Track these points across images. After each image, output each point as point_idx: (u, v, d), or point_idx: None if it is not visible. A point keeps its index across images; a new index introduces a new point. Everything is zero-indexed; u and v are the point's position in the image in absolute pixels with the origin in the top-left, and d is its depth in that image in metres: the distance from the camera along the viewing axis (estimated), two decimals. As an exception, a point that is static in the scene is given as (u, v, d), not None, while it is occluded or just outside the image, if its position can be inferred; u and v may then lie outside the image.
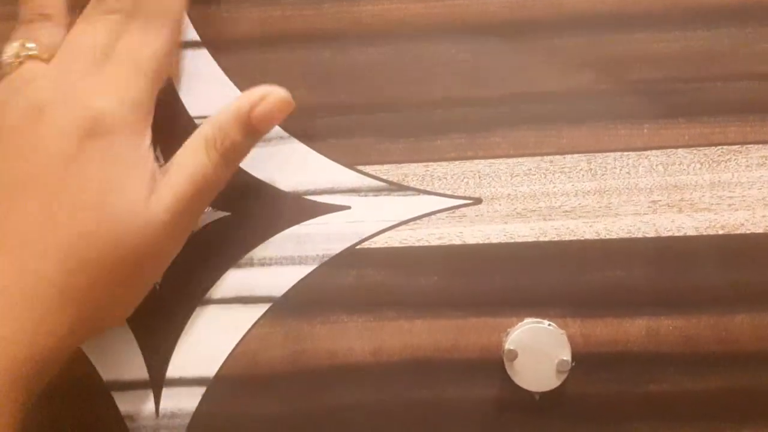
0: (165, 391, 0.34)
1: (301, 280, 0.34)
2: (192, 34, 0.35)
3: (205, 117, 0.34)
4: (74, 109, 0.29)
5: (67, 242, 0.28)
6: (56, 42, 0.31)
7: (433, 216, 0.34)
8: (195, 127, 0.34)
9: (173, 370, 0.34)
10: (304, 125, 0.34)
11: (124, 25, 0.30)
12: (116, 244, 0.29)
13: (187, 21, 0.35)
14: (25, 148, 0.29)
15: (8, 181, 0.29)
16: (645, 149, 0.33)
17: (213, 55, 0.35)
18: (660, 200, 0.33)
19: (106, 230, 0.28)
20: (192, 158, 0.31)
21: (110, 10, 0.31)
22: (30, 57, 0.30)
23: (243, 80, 0.35)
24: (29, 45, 0.30)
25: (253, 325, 0.34)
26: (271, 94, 0.31)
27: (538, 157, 0.33)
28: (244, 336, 0.34)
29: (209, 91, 0.35)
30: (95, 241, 0.28)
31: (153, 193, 0.29)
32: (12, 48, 0.30)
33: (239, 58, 0.35)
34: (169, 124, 0.35)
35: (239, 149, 0.31)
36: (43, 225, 0.28)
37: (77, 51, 0.30)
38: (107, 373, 0.34)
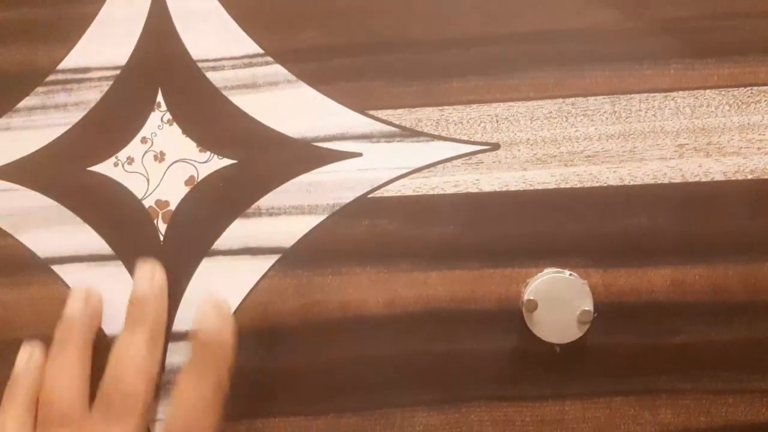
0: (171, 346, 0.33)
1: (311, 230, 0.33)
2: (194, -27, 0.33)
3: (207, 60, 0.33)
4: None
5: None
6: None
7: (448, 163, 0.32)
8: (198, 71, 0.33)
9: (179, 324, 0.33)
10: (313, 68, 0.33)
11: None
12: None
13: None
14: None
15: None
16: (671, 90, 0.32)
17: (217, -5, 0.33)
18: (687, 144, 0.31)
19: None
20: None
21: (116, 414, 0.29)
22: None
23: (248, 20, 0.33)
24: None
25: (262, 277, 0.33)
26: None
27: (560, 100, 0.32)
28: (253, 288, 0.33)
29: (212, 32, 0.33)
30: None
31: None
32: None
33: (244, -3, 0.33)
34: (173, 68, 0.33)
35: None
36: None
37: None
38: (113, 329, 0.33)
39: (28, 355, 0.32)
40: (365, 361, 0.32)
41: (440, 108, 0.32)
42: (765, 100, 0.31)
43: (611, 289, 0.31)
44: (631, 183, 0.32)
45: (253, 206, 0.33)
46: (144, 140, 0.33)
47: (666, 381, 0.31)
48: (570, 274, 0.31)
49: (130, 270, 0.33)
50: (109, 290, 0.33)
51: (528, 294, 0.30)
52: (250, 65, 0.33)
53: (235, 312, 0.33)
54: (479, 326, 0.32)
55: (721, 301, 0.31)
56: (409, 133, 0.33)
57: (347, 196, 0.33)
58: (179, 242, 0.33)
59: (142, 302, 0.31)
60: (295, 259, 0.33)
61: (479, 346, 0.32)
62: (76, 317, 0.32)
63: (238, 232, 0.33)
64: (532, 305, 0.30)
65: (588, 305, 0.30)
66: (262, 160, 0.33)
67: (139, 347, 0.30)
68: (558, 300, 0.30)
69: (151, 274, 0.32)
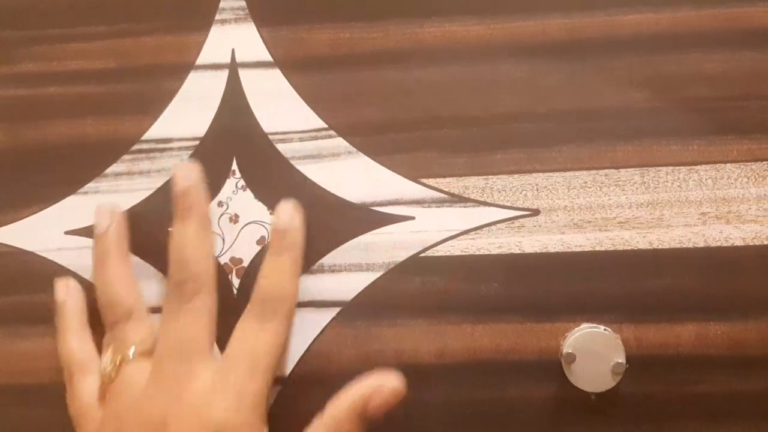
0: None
1: (369, 285, 0.36)
2: (265, 55, 0.37)
3: (277, 133, 0.37)
4: (195, 424, 0.30)
5: None
6: (146, 338, 0.32)
7: (492, 226, 0.36)
8: (269, 143, 0.37)
9: (250, 370, 0.36)
10: (371, 141, 0.37)
11: (208, 314, 0.32)
12: None
13: (260, 42, 0.37)
14: None
15: None
16: (695, 164, 0.35)
17: (285, 75, 0.37)
18: (709, 212, 0.35)
19: None
20: None
21: (190, 295, 0.32)
22: (124, 363, 0.32)
23: (313, 98, 0.37)
24: (124, 350, 0.32)
25: (325, 328, 0.36)
26: (385, 386, 0.31)
27: (594, 171, 0.36)
28: (317, 338, 0.36)
29: (282, 108, 0.37)
30: None
31: None
32: (107, 357, 0.32)
33: (310, 77, 0.37)
34: (246, 140, 0.37)
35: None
36: None
37: (176, 351, 0.31)
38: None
39: (65, 285, 0.35)
40: (418, 406, 0.35)
41: (485, 177, 0.36)
42: (780, 173, 0.35)
43: (642, 342, 0.35)
44: (659, 247, 0.35)
45: (317, 263, 0.36)
46: (220, 204, 0.37)
47: (692, 427, 0.34)
48: (605, 329, 0.34)
49: (207, 321, 0.36)
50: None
51: (567, 347, 0.34)
52: (315, 138, 0.37)
53: (300, 359, 0.36)
54: (522, 376, 0.35)
55: (740, 354, 0.34)
56: (457, 199, 0.36)
57: (401, 255, 0.36)
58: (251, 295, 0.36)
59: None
60: (354, 311, 0.36)
61: (522, 394, 0.35)
62: (107, 230, 0.35)
63: (303, 286, 0.36)
64: (571, 357, 0.34)
65: (621, 358, 0.33)
66: (325, 222, 0.37)
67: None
68: (594, 353, 0.34)
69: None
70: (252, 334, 0.32)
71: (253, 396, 0.31)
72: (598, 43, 0.36)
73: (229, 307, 0.36)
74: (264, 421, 0.32)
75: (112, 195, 0.37)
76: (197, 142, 0.37)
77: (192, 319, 0.32)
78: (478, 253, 0.36)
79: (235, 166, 0.37)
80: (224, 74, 0.37)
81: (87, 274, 0.37)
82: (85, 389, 0.33)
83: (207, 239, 0.34)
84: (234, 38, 0.38)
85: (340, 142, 0.37)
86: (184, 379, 0.31)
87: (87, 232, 0.37)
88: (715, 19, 0.35)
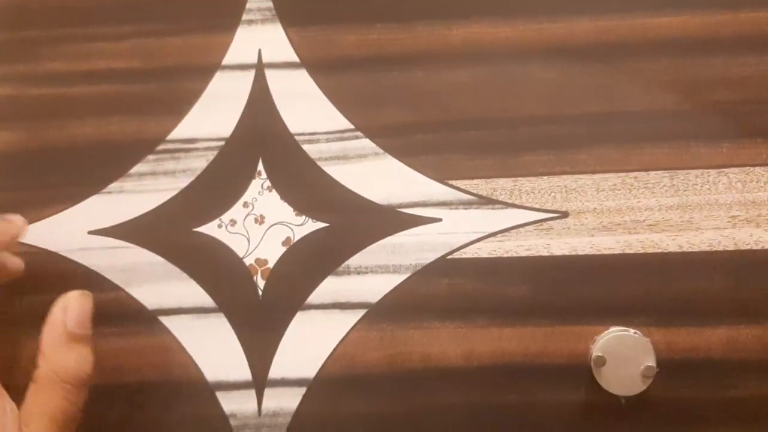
0: (267, 391, 0.36)
1: (395, 287, 0.36)
2: (292, 56, 0.37)
3: (303, 134, 0.37)
4: None
5: None
6: None
7: (521, 228, 0.36)
8: (295, 143, 0.37)
9: (275, 371, 0.36)
10: (398, 142, 0.36)
11: None
12: None
13: (286, 43, 0.37)
14: None
15: None
16: (724, 167, 0.35)
17: (311, 76, 0.37)
18: (739, 215, 0.35)
19: None
20: (40, 405, 0.31)
21: None
22: None
23: (340, 99, 0.37)
24: None
25: (351, 329, 0.36)
26: (68, 300, 0.32)
27: (623, 173, 0.35)
28: (342, 339, 0.36)
29: (308, 109, 0.37)
30: None
31: None
32: None
33: (336, 78, 0.37)
34: (272, 141, 0.37)
35: (74, 371, 0.31)
36: None
37: None
38: (212, 375, 0.36)
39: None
40: (444, 409, 0.35)
41: (514, 179, 0.36)
42: (809, 176, 0.35)
43: (672, 346, 0.34)
44: (689, 250, 0.35)
45: (343, 265, 0.36)
46: (246, 204, 0.37)
47: (722, 431, 0.34)
48: (635, 333, 0.34)
49: (232, 322, 0.36)
50: (211, 340, 0.36)
51: (597, 350, 0.34)
52: (342, 139, 0.37)
53: (326, 361, 0.36)
54: (550, 379, 0.35)
55: (773, 359, 0.34)
56: (485, 201, 0.36)
57: (428, 257, 0.36)
58: (276, 297, 0.36)
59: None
60: (380, 313, 0.36)
61: (550, 398, 0.35)
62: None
63: (329, 288, 0.36)
64: (601, 361, 0.33)
65: (651, 361, 0.33)
66: (351, 224, 0.36)
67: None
68: (624, 356, 0.33)
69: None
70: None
71: None
72: (627, 46, 0.36)
73: (255, 309, 0.36)
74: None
75: (137, 195, 0.37)
76: (222, 143, 0.37)
77: None
78: (506, 255, 0.36)
79: (261, 167, 0.37)
80: (251, 74, 0.37)
81: (110, 275, 0.37)
82: None
83: None
84: (261, 39, 0.38)
85: (366, 143, 0.37)
86: None
87: (111, 232, 0.37)
88: (743, 22, 0.35)
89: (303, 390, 0.36)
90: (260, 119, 0.37)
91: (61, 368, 0.31)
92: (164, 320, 0.36)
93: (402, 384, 0.35)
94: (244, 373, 0.36)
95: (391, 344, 0.36)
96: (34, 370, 0.31)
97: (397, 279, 0.36)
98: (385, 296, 0.36)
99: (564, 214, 0.36)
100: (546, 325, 0.35)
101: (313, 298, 0.36)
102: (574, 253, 0.35)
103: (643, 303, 0.35)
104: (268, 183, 0.37)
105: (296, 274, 0.36)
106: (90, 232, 0.37)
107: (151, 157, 0.37)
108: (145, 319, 0.36)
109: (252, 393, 0.36)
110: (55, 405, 0.31)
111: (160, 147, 0.37)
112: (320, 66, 0.37)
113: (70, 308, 0.32)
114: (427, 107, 0.37)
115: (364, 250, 0.36)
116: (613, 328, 0.34)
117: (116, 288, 0.37)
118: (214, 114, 0.37)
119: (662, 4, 0.36)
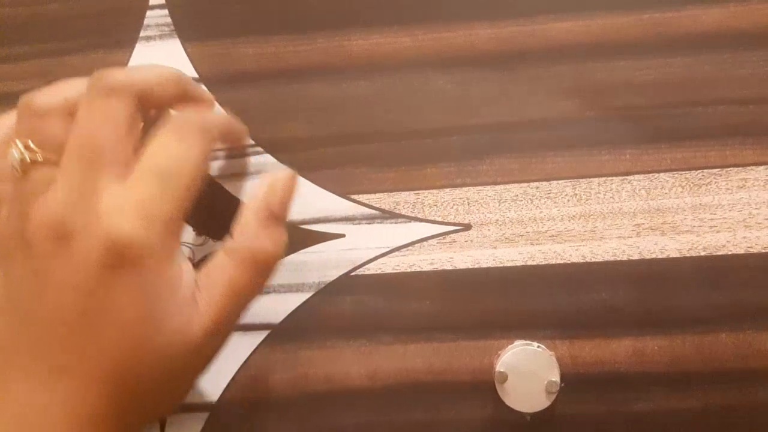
0: (169, 418, 0.35)
1: (299, 306, 0.35)
2: (191, 71, 0.36)
3: (203, 151, 0.36)
4: (98, 238, 0.26)
5: (106, 377, 0.27)
6: (62, 136, 0.28)
7: (424, 242, 0.35)
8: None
9: (177, 396, 0.35)
10: (299, 157, 0.36)
11: (134, 115, 0.28)
12: (159, 377, 0.27)
13: (185, 58, 0.37)
14: (48, 281, 0.26)
15: (29, 317, 0.27)
16: (628, 174, 0.34)
17: (210, 90, 0.36)
18: (643, 223, 0.34)
19: (149, 368, 0.27)
20: (223, 275, 0.29)
21: (110, 90, 0.28)
22: (35, 163, 0.28)
23: (239, 114, 0.36)
24: (33, 147, 0.28)
25: (254, 351, 0.35)
26: (276, 181, 0.30)
27: (525, 184, 0.35)
28: (245, 362, 0.35)
29: (207, 125, 0.36)
30: (135, 377, 0.27)
31: (191, 319, 0.28)
32: (15, 153, 0.28)
33: (235, 93, 0.36)
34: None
35: (270, 254, 0.30)
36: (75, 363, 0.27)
37: (88, 152, 0.27)
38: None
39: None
40: (350, 431, 0.34)
41: (416, 192, 0.35)
42: (715, 182, 0.34)
43: (577, 360, 0.34)
44: (593, 260, 0.34)
45: (245, 285, 0.35)
46: (144, 225, 0.36)
47: (631, 446, 0.33)
48: (538, 346, 0.33)
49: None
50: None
51: (499, 366, 0.33)
52: (243, 155, 0.36)
53: (228, 384, 0.35)
54: (455, 396, 0.34)
55: (678, 370, 0.33)
56: (388, 215, 0.35)
57: (332, 275, 0.35)
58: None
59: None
60: (283, 334, 0.35)
61: (456, 416, 0.34)
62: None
63: (230, 309, 0.35)
64: (503, 377, 0.32)
65: (555, 376, 0.32)
66: (252, 242, 0.35)
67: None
68: (527, 371, 0.33)
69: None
70: (165, 150, 0.28)
71: (163, 217, 0.27)
72: (527, 52, 0.35)
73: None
74: (178, 244, 0.28)
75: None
76: (121, 162, 0.36)
77: (102, 121, 0.27)
78: (409, 270, 0.35)
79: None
80: (148, 92, 0.36)
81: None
82: None
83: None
84: (159, 55, 0.37)
85: (267, 159, 0.36)
86: (90, 192, 0.27)
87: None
88: (645, 26, 0.35)
89: (206, 415, 0.35)
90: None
91: (259, 248, 0.29)
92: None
93: (306, 406, 0.35)
94: (146, 398, 0.35)
95: (293, 366, 0.35)
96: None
97: (300, 298, 0.35)
98: (288, 316, 0.35)
99: (467, 227, 0.35)
100: (450, 340, 0.34)
101: (215, 319, 0.35)
102: (477, 266, 0.34)
103: (547, 315, 0.34)
104: (166, 202, 0.36)
105: (197, 295, 0.35)
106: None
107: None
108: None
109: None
110: (241, 282, 0.29)
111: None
112: (219, 81, 0.36)
113: (278, 189, 0.30)
114: (328, 121, 0.36)
115: (267, 269, 0.35)
116: (517, 342, 0.34)
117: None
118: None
119: (563, 7, 0.35)
